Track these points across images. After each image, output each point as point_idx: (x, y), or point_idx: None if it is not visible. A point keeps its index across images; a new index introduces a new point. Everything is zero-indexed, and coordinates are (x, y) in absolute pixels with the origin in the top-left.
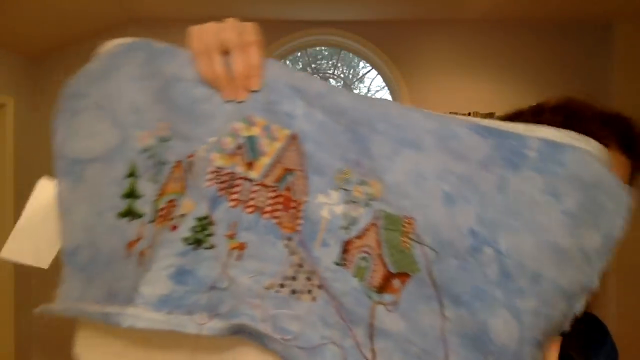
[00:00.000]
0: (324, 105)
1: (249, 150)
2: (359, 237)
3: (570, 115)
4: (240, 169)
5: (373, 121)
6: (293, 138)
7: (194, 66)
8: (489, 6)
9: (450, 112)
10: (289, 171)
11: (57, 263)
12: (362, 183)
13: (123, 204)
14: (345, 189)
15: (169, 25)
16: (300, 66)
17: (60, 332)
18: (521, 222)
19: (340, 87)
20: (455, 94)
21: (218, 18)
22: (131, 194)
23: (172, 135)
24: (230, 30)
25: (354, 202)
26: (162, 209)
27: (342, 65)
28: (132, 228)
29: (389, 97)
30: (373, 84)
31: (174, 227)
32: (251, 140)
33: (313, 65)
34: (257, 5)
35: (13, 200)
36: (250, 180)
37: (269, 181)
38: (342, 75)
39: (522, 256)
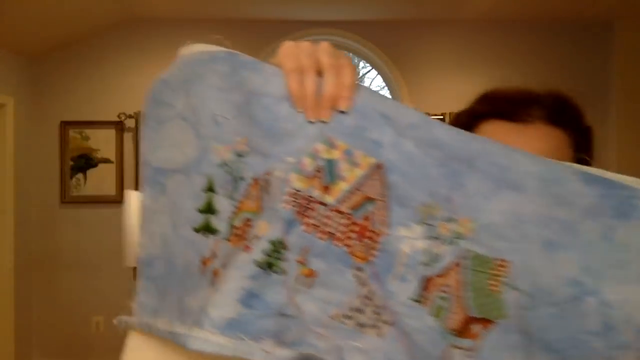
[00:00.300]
0: (417, 137)
1: (327, 173)
2: (440, 275)
3: (505, 103)
4: (316, 192)
5: (473, 158)
6: (378, 167)
7: (280, 83)
8: (488, 6)
9: (450, 112)
10: (369, 200)
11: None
12: (450, 220)
13: (199, 219)
14: (428, 224)
15: (169, 25)
16: None
17: (60, 332)
18: (630, 272)
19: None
20: (455, 94)
21: (218, 18)
22: (208, 209)
23: (249, 151)
24: (324, 51)
25: (437, 238)
26: (237, 228)
27: None
28: (206, 244)
29: (389, 97)
30: (373, 84)
31: (247, 248)
32: (330, 163)
33: None
34: (257, 5)
35: (13, 200)
36: (324, 204)
37: (344, 207)
38: None
39: (630, 308)
